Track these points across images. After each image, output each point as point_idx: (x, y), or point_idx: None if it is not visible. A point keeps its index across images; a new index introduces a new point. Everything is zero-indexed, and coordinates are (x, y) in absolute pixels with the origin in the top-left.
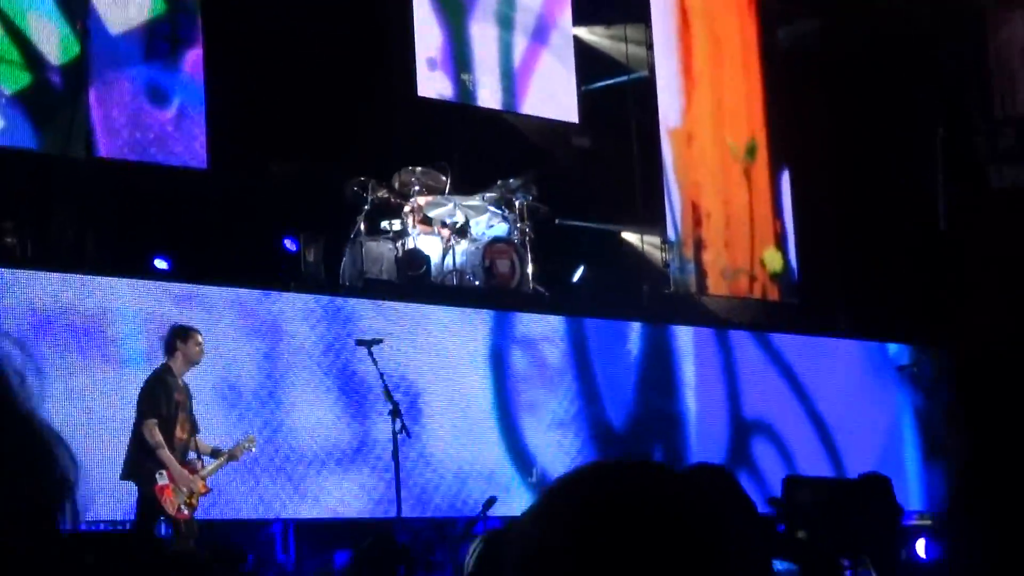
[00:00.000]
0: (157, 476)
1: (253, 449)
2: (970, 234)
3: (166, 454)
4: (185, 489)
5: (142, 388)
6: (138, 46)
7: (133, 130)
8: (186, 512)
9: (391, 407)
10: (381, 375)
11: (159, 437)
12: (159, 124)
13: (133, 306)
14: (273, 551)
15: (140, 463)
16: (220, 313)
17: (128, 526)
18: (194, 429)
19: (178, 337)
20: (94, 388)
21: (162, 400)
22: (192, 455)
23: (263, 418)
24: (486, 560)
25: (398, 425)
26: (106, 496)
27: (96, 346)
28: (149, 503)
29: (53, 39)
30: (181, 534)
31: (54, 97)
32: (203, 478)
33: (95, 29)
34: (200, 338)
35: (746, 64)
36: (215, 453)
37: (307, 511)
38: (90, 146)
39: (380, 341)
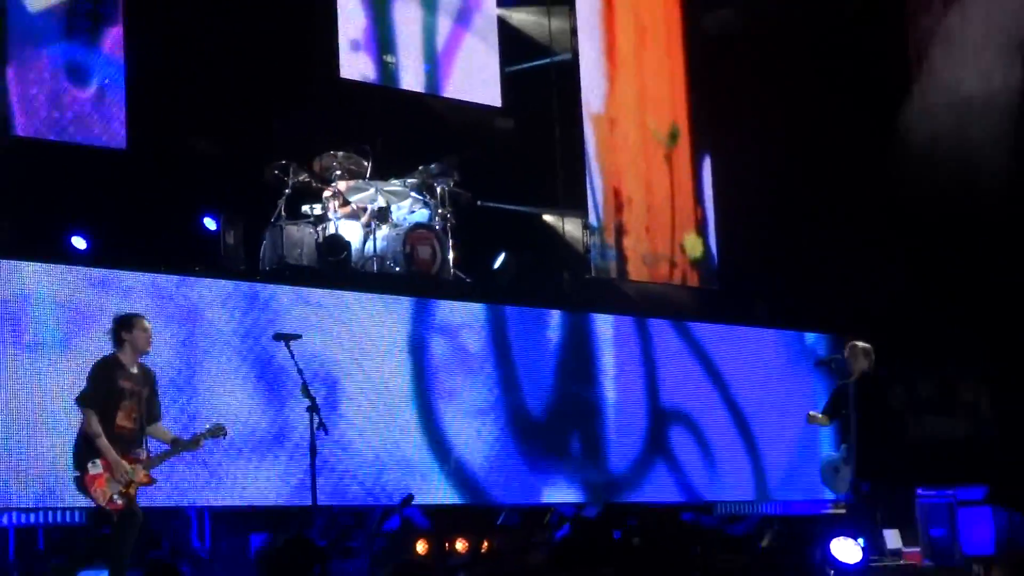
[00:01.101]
0: (90, 466)
1: (222, 436)
2: None
3: (103, 443)
4: (122, 479)
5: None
6: (58, 23)
7: (52, 109)
8: (119, 502)
9: (309, 403)
10: (300, 370)
11: (97, 428)
12: (78, 103)
13: (49, 291)
14: (189, 537)
15: (80, 453)
16: (137, 298)
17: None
18: (149, 417)
19: (122, 328)
20: (10, 373)
21: (101, 390)
22: (154, 444)
23: (179, 404)
24: None
25: (316, 422)
26: (23, 481)
27: (10, 331)
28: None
29: None
30: (114, 524)
31: None
32: (146, 468)
33: (13, 5)
34: (146, 323)
35: (670, 50)
36: (174, 443)
37: (223, 498)
38: (7, 125)
39: (298, 336)
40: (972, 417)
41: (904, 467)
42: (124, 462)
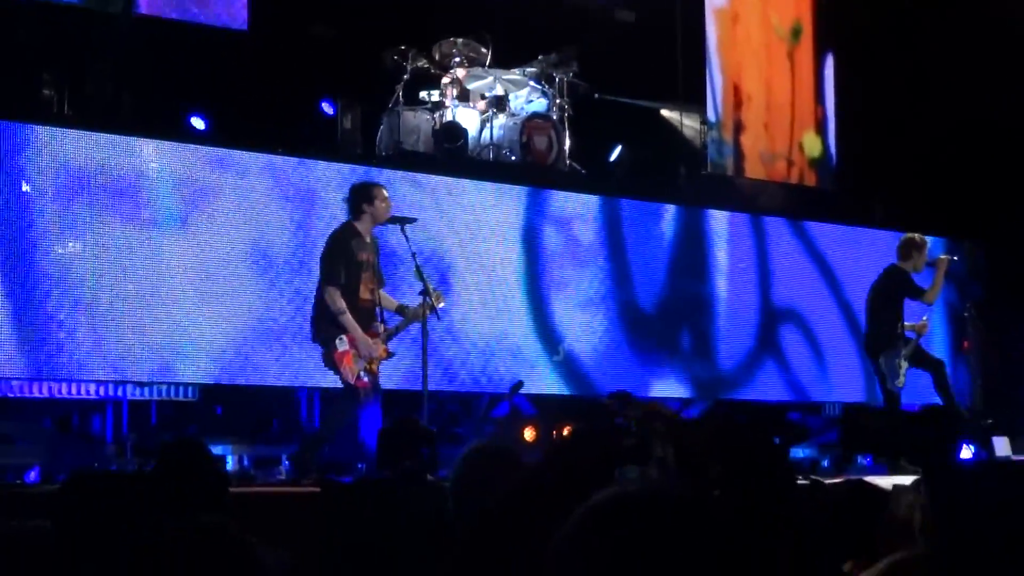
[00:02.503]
0: (337, 342)
1: (441, 304)
2: None
3: (349, 319)
4: (365, 355)
5: (323, 251)
6: None
7: None
8: (365, 379)
9: (422, 287)
10: (413, 254)
11: (341, 303)
12: None
13: (167, 168)
14: (298, 417)
15: (324, 328)
16: (254, 178)
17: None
18: (379, 284)
19: (363, 198)
20: (127, 248)
21: (340, 264)
22: (380, 315)
23: (294, 286)
24: (469, 469)
25: (429, 305)
26: (138, 355)
27: (130, 207)
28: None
29: None
30: (360, 401)
31: None
32: (384, 342)
33: None
34: (386, 193)
35: None
36: (400, 309)
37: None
38: (130, 2)
39: (414, 220)
40: None
41: None
42: (368, 339)
